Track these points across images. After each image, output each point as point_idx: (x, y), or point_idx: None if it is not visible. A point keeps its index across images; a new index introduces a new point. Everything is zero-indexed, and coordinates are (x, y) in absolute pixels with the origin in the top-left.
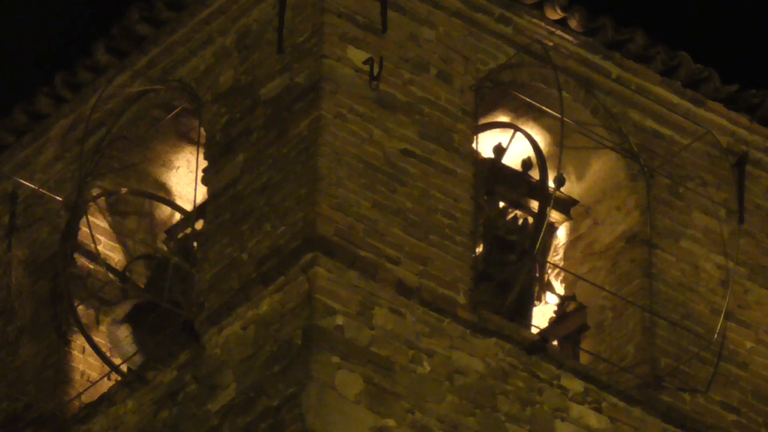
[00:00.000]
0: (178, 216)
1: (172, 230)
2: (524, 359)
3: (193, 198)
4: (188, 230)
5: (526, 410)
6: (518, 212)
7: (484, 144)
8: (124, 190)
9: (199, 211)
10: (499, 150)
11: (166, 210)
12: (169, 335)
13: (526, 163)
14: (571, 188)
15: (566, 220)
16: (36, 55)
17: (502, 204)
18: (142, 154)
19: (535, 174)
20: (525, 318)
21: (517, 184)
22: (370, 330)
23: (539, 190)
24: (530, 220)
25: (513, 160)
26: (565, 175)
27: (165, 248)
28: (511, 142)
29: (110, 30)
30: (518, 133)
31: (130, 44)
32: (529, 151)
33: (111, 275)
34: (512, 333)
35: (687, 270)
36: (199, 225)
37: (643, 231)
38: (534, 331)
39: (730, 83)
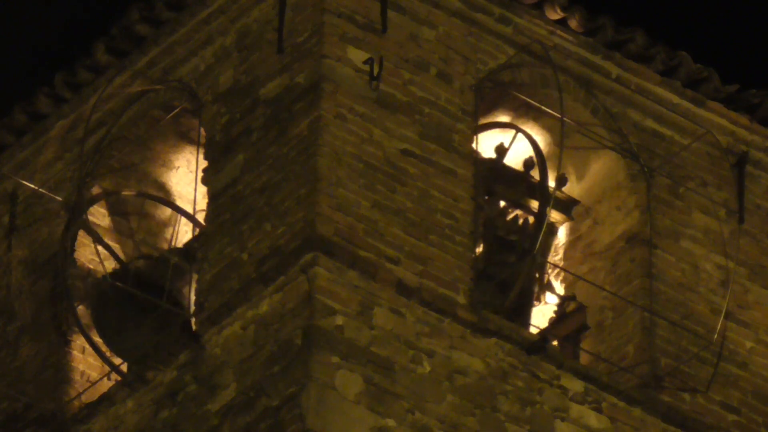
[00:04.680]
0: (177, 216)
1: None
2: (524, 359)
3: (193, 198)
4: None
5: (526, 410)
6: (519, 212)
7: (485, 144)
8: (129, 192)
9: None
10: (501, 150)
11: (166, 210)
12: (169, 335)
13: (528, 163)
14: (571, 188)
15: (567, 221)
16: (36, 55)
17: (502, 204)
18: (142, 154)
19: (536, 173)
20: (525, 318)
21: (518, 184)
22: (370, 330)
23: (539, 189)
24: (531, 219)
25: (514, 160)
26: (565, 176)
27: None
28: (512, 143)
29: (110, 30)
30: (520, 134)
31: (130, 44)
32: (530, 151)
33: (110, 277)
34: (512, 333)
35: (687, 270)
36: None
37: (643, 231)
38: (534, 331)
39: (730, 83)
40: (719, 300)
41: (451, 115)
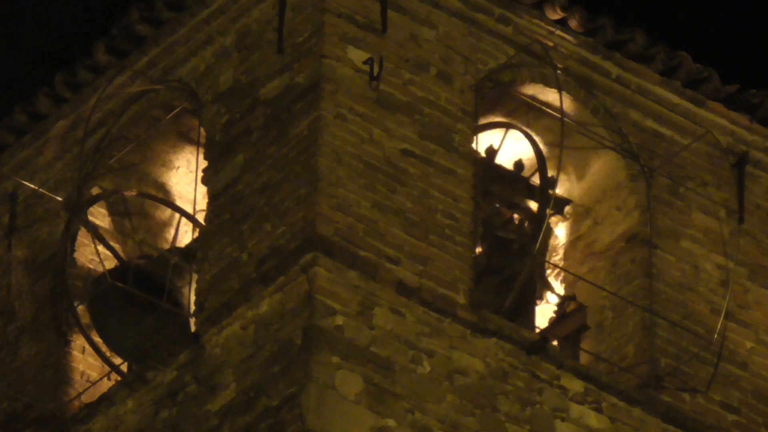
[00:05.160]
0: (177, 216)
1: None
2: (524, 359)
3: (193, 198)
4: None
5: (526, 410)
6: (516, 213)
7: (485, 144)
8: (129, 192)
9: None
10: (491, 151)
11: (166, 210)
12: (169, 335)
13: (518, 165)
14: (571, 188)
15: (561, 220)
16: (36, 55)
17: (498, 205)
18: (142, 154)
19: (528, 174)
20: (527, 318)
21: (514, 184)
22: (370, 330)
23: (537, 189)
24: (526, 223)
25: (510, 160)
26: (564, 176)
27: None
28: (503, 142)
29: (110, 30)
30: (514, 133)
31: (130, 44)
32: (522, 152)
33: (110, 277)
34: (512, 333)
35: (687, 270)
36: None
37: (643, 231)
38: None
39: (730, 83)
40: (719, 300)
41: (451, 115)
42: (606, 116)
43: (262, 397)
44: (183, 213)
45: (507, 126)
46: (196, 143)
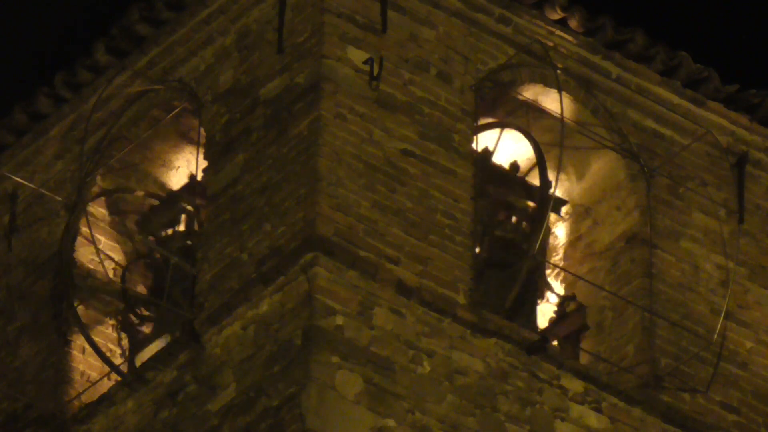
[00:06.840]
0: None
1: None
2: (524, 359)
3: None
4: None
5: (526, 410)
6: (515, 214)
7: (485, 144)
8: (125, 192)
9: (172, 201)
10: (487, 153)
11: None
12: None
13: (514, 166)
14: (571, 188)
15: (558, 219)
16: (36, 55)
17: (498, 204)
18: (142, 154)
19: (525, 173)
20: (526, 317)
21: (511, 184)
22: (370, 330)
23: (535, 189)
24: (524, 223)
25: (507, 161)
26: (564, 176)
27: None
28: (498, 143)
29: (110, 30)
30: (511, 133)
31: (130, 44)
32: (520, 153)
33: (111, 275)
34: (512, 333)
35: (687, 270)
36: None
37: (643, 231)
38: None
39: (730, 83)
40: (719, 300)
41: (451, 115)
42: (606, 116)
43: (262, 397)
44: (183, 210)
45: (505, 126)
46: (196, 143)
